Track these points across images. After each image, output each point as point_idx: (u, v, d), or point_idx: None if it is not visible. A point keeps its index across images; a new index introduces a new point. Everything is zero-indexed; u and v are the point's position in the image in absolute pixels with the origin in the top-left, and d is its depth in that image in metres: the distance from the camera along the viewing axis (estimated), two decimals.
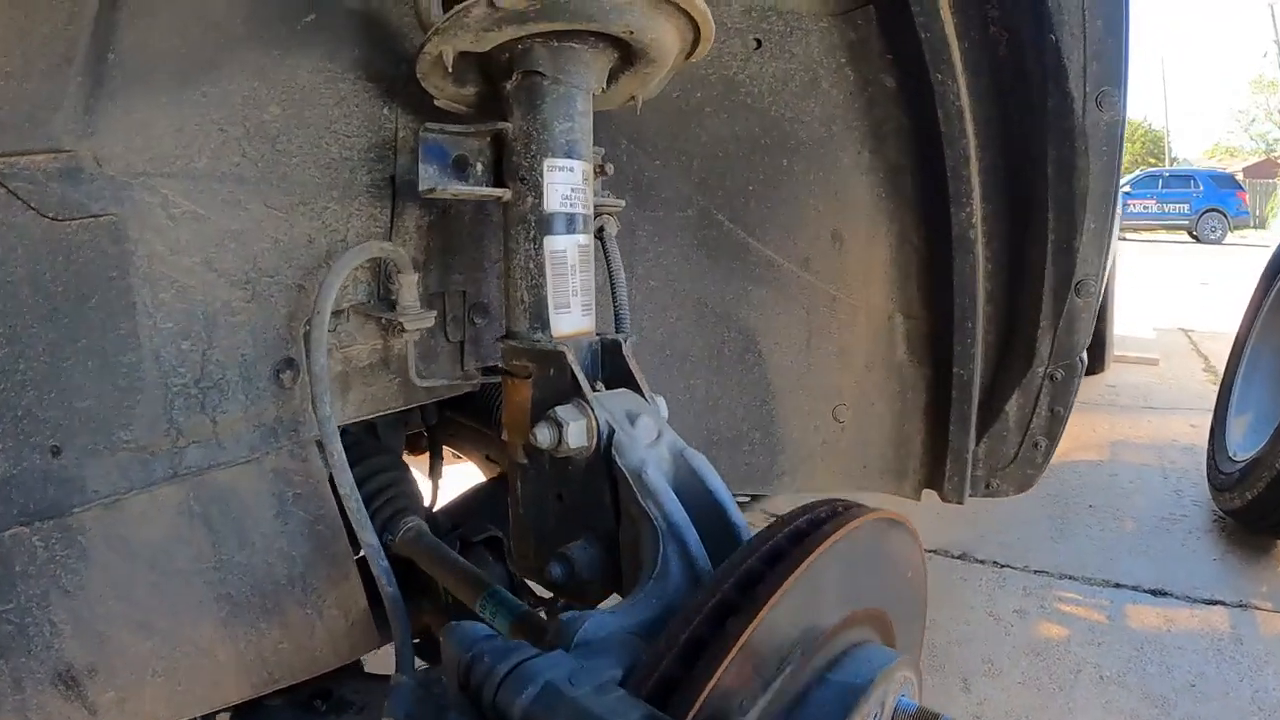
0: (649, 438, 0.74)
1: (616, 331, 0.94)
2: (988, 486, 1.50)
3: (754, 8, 1.30)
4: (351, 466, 1.11)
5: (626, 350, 0.79)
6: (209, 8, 0.84)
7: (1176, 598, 2.88)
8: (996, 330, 1.46)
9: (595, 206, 0.93)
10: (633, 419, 0.75)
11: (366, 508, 1.08)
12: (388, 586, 0.86)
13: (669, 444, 0.75)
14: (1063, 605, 2.77)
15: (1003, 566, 2.87)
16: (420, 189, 0.80)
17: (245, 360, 0.89)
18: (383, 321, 0.93)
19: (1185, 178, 21.64)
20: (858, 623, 0.64)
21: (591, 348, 0.82)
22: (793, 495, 1.41)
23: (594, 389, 0.75)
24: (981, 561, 2.91)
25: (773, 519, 0.69)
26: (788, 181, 1.43)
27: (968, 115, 1.35)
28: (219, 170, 0.86)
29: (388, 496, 1.08)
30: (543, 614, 0.98)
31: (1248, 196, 21.14)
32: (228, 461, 0.90)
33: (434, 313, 0.92)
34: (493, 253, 1.07)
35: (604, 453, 0.73)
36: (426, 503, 1.59)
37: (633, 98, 0.89)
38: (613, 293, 0.96)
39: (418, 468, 1.67)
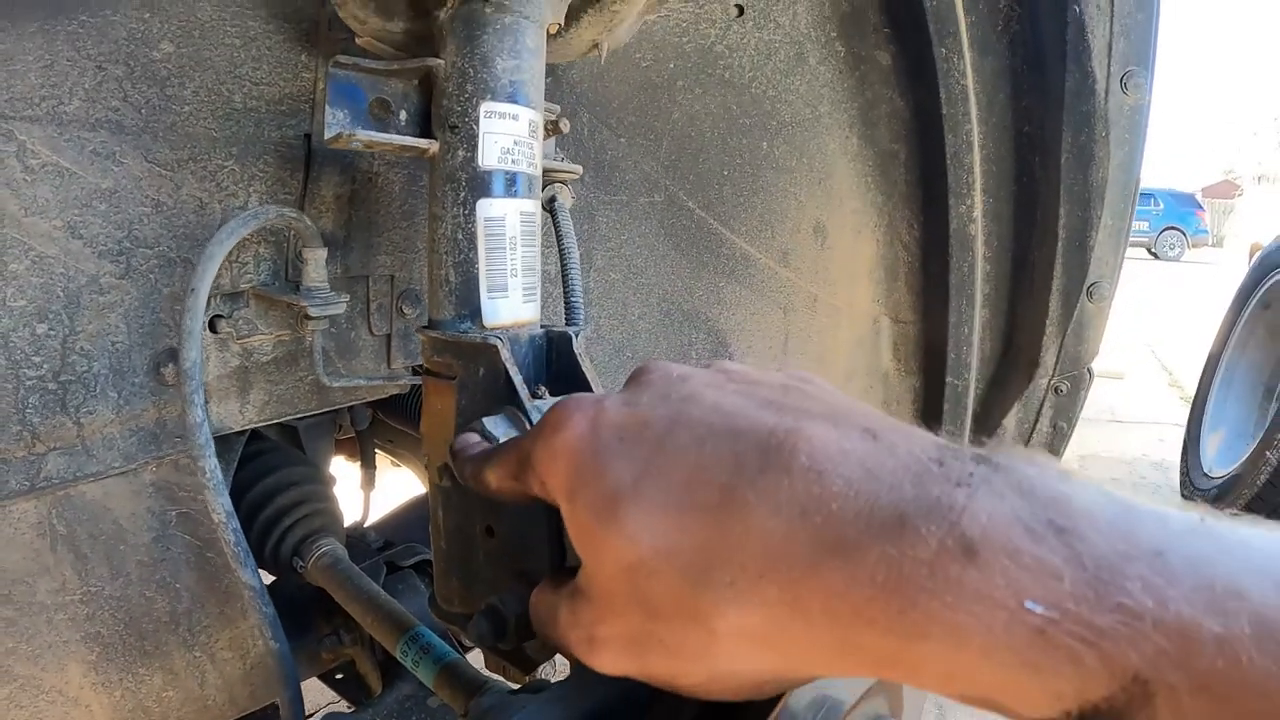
0: None
1: (568, 324, 0.77)
2: None
3: None
4: (260, 479, 0.95)
5: (578, 346, 0.62)
6: None
7: None
8: (994, 338, 1.33)
9: (546, 172, 0.77)
10: None
11: (273, 528, 0.92)
12: (272, 641, 0.69)
13: None
14: None
15: None
16: (325, 136, 0.63)
17: (117, 349, 0.73)
18: (288, 307, 0.77)
19: (1146, 195, 21.95)
20: (875, 694, 0.50)
21: (535, 343, 0.64)
22: None
23: (535, 395, 0.58)
24: None
25: None
26: (767, 167, 1.29)
27: (972, 96, 1.23)
28: (93, 116, 0.70)
29: (300, 515, 0.92)
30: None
31: (1207, 216, 21.56)
32: (97, 473, 0.74)
33: (345, 298, 0.76)
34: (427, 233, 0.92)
35: None
36: (358, 517, 1.43)
37: (595, 45, 0.73)
38: (564, 276, 0.78)
39: (354, 475, 1.51)
